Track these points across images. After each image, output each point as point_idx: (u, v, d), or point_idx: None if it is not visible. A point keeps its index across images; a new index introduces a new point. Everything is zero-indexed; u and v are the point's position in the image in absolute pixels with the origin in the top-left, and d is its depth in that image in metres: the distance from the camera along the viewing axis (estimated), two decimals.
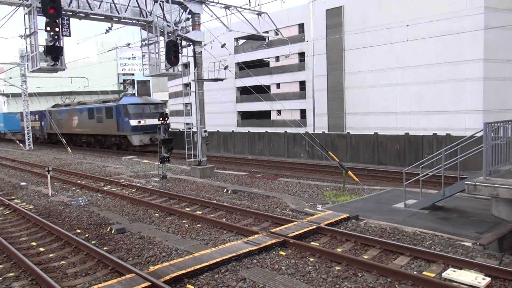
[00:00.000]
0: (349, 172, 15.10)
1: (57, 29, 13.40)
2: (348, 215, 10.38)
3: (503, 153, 9.29)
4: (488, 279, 6.53)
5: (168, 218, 11.29)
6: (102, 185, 16.80)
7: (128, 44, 24.61)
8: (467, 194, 9.49)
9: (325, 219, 10.01)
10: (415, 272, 7.00)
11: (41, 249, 8.98)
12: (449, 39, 22.18)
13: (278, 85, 33.11)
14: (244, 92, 34.25)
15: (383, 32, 24.86)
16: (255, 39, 23.13)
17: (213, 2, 18.31)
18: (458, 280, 6.55)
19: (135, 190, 15.44)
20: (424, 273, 6.98)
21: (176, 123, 40.78)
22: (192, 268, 7.14)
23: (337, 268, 7.31)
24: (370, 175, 18.69)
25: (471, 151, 10.45)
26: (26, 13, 14.15)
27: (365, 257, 7.81)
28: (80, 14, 15.59)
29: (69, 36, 15.04)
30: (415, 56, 24.00)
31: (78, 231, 10.25)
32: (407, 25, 23.76)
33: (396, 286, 6.53)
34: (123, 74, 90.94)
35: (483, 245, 8.25)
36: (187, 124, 18.99)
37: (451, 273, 6.76)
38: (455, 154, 11.05)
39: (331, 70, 28.61)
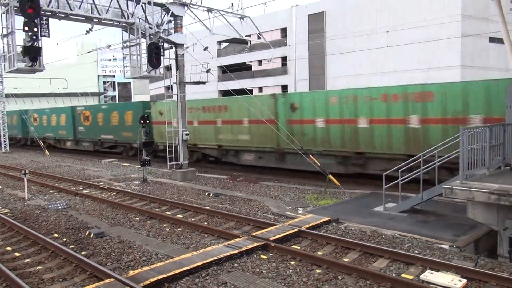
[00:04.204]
0: (330, 176, 15.24)
1: (35, 29, 13.16)
2: (329, 218, 10.47)
3: (479, 157, 9.52)
4: (464, 280, 6.68)
5: (148, 222, 11.17)
6: (81, 188, 16.50)
7: (109, 46, 24.40)
8: (444, 197, 9.68)
9: (306, 223, 10.07)
10: (393, 275, 7.10)
11: (17, 254, 8.75)
12: (428, 46, 22.69)
13: (260, 89, 33.26)
14: (227, 96, 34.29)
15: (364, 38, 25.25)
16: (237, 43, 23.19)
17: (195, 5, 18.27)
18: (435, 282, 6.67)
19: (115, 193, 15.21)
20: (402, 275, 7.09)
21: None
22: (172, 273, 7.08)
23: (317, 271, 7.36)
24: (351, 178, 18.87)
25: (448, 155, 10.69)
26: (3, 12, 13.84)
27: (345, 260, 7.89)
28: (60, 15, 15.32)
29: (48, 36, 14.63)
30: (394, 61, 24.46)
31: (56, 235, 10.04)
32: (387, 32, 24.22)
33: None
34: (104, 76, 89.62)
35: (459, 247, 8.44)
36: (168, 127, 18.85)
37: (429, 275, 6.89)
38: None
39: (313, 75, 28.90)
